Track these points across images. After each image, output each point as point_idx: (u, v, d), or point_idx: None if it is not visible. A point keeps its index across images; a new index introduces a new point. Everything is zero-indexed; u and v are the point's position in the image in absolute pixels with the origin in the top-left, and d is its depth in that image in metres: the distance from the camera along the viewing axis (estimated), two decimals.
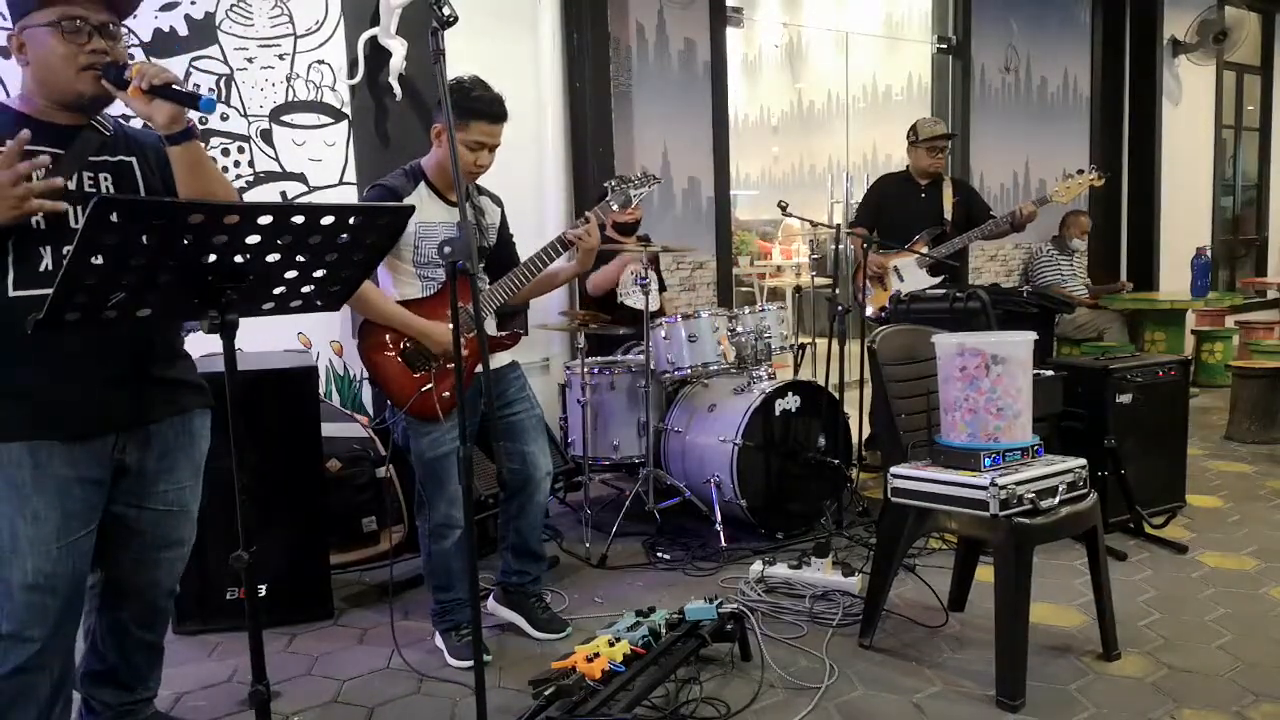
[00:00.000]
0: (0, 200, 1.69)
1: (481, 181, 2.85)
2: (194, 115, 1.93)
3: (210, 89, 3.91)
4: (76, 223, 1.82)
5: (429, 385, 2.69)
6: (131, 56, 1.97)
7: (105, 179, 1.93)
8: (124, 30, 1.94)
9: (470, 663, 2.67)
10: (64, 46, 1.83)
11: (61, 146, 1.87)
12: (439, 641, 2.86)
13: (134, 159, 1.99)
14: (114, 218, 1.39)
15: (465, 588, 2.83)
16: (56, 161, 1.85)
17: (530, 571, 2.99)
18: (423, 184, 2.73)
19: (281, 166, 4.09)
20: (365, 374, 4.22)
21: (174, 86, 1.81)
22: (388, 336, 2.71)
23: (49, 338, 1.79)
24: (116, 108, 1.97)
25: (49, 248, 1.83)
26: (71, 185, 1.85)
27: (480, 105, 2.64)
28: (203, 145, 1.98)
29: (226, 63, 3.94)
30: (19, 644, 1.86)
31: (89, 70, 1.84)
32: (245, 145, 4.00)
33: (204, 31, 3.87)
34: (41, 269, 1.82)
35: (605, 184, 3.19)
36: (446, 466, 2.71)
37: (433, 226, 2.71)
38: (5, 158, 1.69)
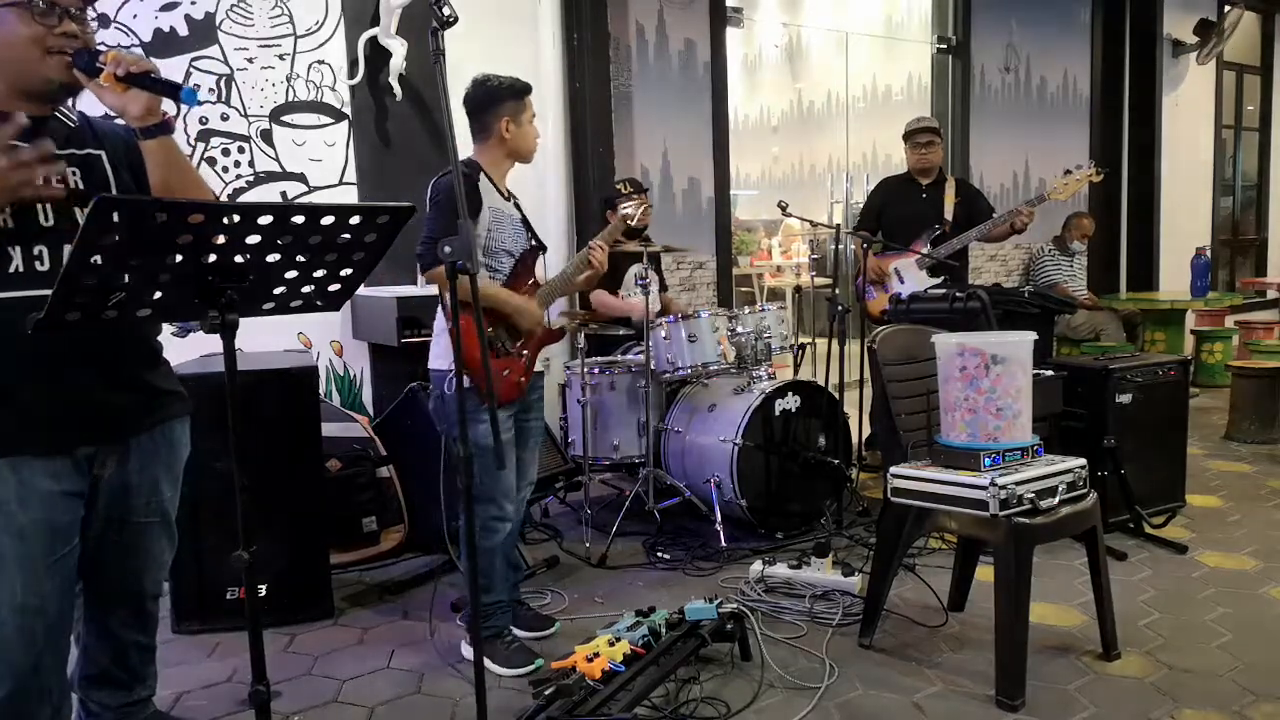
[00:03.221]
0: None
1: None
2: (170, 108, 1.85)
3: (210, 89, 3.91)
4: (46, 220, 1.75)
5: (508, 370, 2.74)
6: (116, 47, 1.89)
7: (74, 173, 1.83)
8: (91, 15, 1.82)
9: (524, 670, 2.67)
10: (31, 28, 1.71)
11: (26, 139, 1.74)
12: (466, 652, 2.80)
13: (102, 152, 1.89)
14: (115, 217, 1.38)
15: (506, 589, 2.82)
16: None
17: (508, 579, 2.98)
18: (482, 174, 2.77)
19: (281, 166, 4.09)
20: (368, 373, 4.26)
21: (152, 75, 1.72)
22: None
23: (28, 349, 1.72)
24: (87, 103, 1.91)
25: (18, 248, 1.73)
26: (39, 181, 1.71)
27: (520, 83, 2.78)
28: (175, 140, 1.88)
29: (226, 63, 3.94)
30: (10, 669, 1.78)
31: (58, 55, 1.74)
32: (245, 145, 4.00)
33: (204, 31, 3.87)
34: (12, 270, 1.73)
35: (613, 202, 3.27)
36: (501, 455, 2.69)
37: (501, 215, 2.77)
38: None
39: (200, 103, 3.85)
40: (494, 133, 2.76)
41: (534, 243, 2.88)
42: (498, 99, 2.75)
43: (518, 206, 2.89)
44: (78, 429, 1.85)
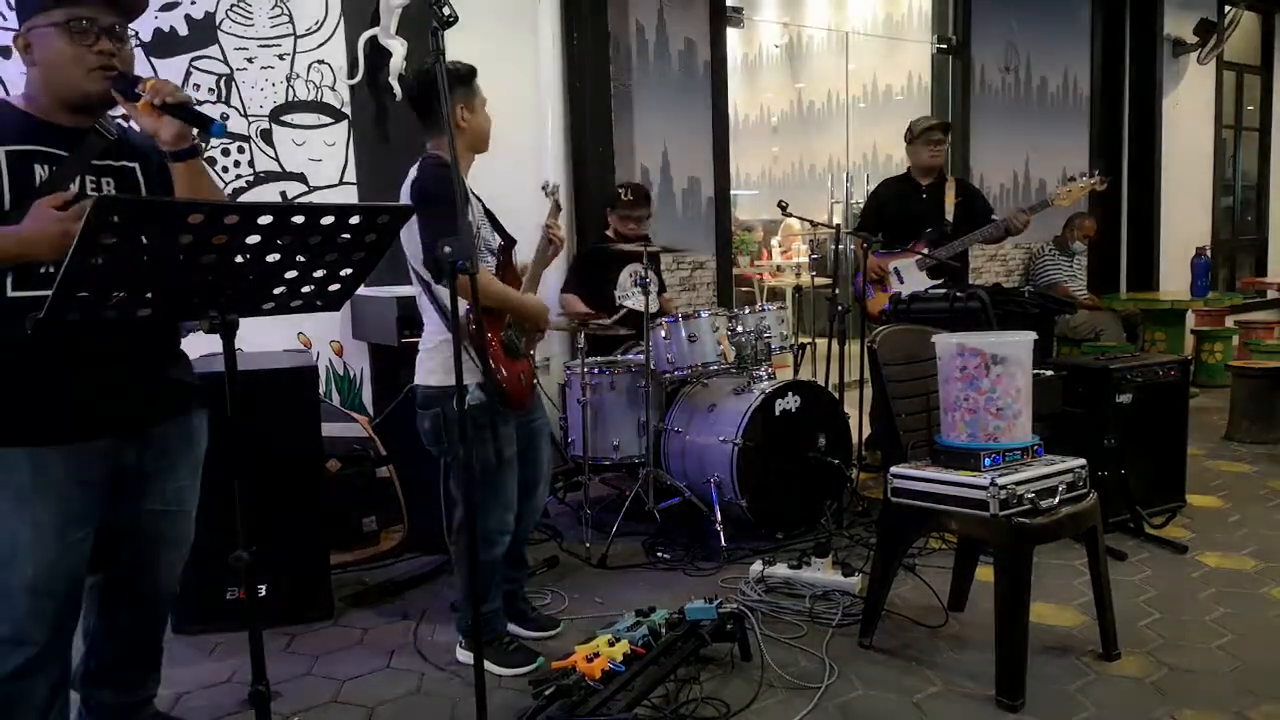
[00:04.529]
0: (62, 247, 1.71)
1: (475, 183, 2.83)
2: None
3: (210, 89, 3.91)
4: None
5: (522, 373, 2.71)
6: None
7: (108, 183, 1.92)
8: (131, 32, 1.94)
9: (524, 670, 2.67)
10: (72, 48, 1.83)
11: (65, 148, 1.87)
12: (461, 656, 2.80)
13: (137, 165, 1.98)
14: (114, 218, 1.38)
15: (499, 594, 2.82)
16: (60, 164, 1.85)
17: (519, 578, 2.99)
18: None
19: (281, 166, 4.09)
20: (368, 373, 4.25)
21: (187, 107, 1.81)
22: (492, 324, 2.65)
23: (48, 340, 1.78)
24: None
25: None
26: (75, 188, 1.84)
27: (464, 65, 2.67)
28: (204, 162, 1.98)
29: (226, 63, 3.94)
30: (17, 648, 1.86)
31: (97, 71, 1.84)
32: (245, 145, 4.00)
33: (204, 31, 3.87)
34: (42, 270, 1.81)
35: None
36: (508, 470, 2.69)
37: (479, 211, 2.71)
38: (78, 212, 1.70)
39: (227, 134, 3.88)
40: (459, 119, 2.65)
41: (504, 237, 2.82)
42: (448, 87, 2.66)
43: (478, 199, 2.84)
44: (96, 420, 1.91)
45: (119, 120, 2.04)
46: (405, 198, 2.60)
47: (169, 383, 2.04)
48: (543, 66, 4.76)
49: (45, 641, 1.88)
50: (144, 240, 1.44)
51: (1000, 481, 2.40)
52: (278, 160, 4.08)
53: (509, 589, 2.95)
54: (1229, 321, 7.67)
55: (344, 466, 3.63)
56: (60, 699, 1.98)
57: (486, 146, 2.79)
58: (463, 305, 2.08)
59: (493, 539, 2.69)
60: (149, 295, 1.54)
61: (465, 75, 2.67)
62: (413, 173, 2.64)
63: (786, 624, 2.97)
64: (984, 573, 2.92)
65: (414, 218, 2.56)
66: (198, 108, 1.87)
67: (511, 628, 2.92)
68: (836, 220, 7.02)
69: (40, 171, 1.82)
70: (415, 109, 2.70)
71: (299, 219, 1.56)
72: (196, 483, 2.14)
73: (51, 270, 1.80)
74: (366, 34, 4.22)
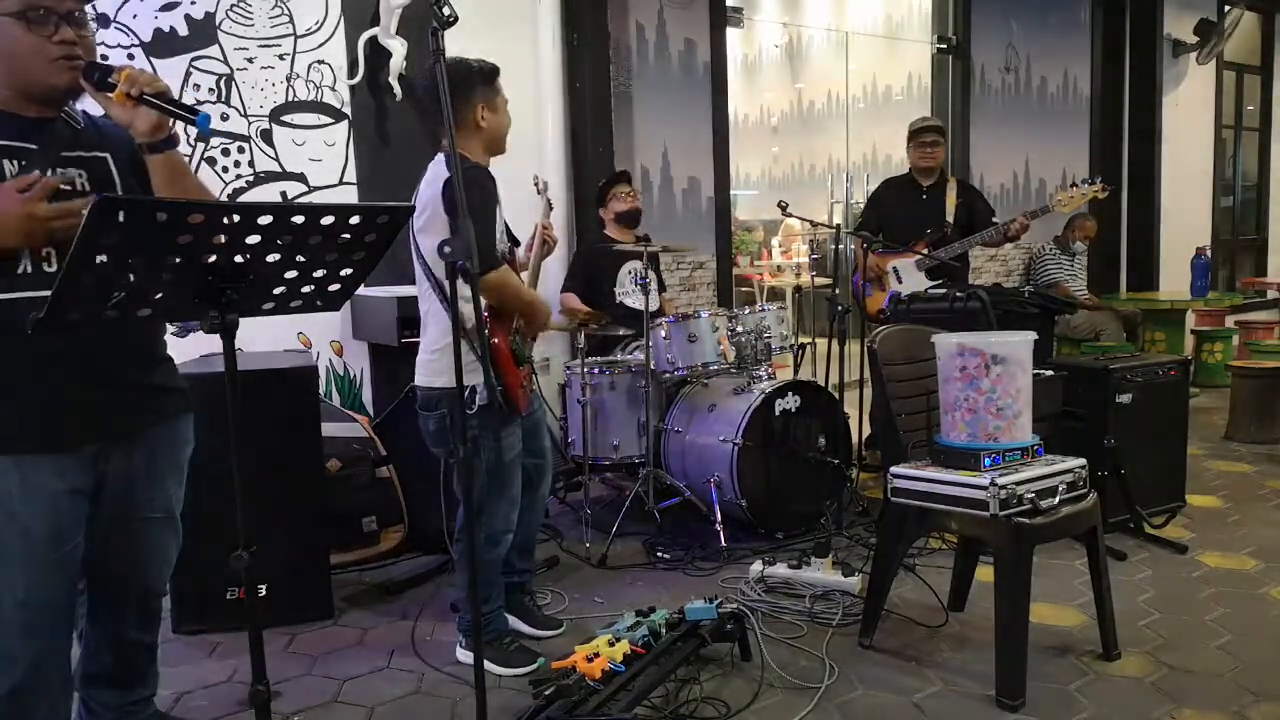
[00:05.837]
0: (35, 234, 1.69)
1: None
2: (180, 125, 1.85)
3: (210, 89, 3.91)
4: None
5: (525, 379, 2.71)
6: (130, 59, 1.93)
7: (80, 175, 1.84)
8: (90, 16, 1.84)
9: (524, 670, 2.67)
10: (31, 38, 1.73)
11: (32, 141, 1.79)
12: (462, 656, 2.80)
13: (108, 155, 1.90)
14: (116, 217, 1.38)
15: (501, 593, 2.82)
16: (29, 158, 1.78)
17: (529, 569, 3.02)
18: None
19: (281, 166, 4.09)
20: (368, 373, 4.25)
21: (167, 97, 1.74)
22: (499, 329, 2.63)
23: (33, 347, 1.74)
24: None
25: (27, 249, 1.75)
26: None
27: (487, 64, 2.62)
28: (181, 153, 1.90)
29: (226, 63, 3.94)
30: (12, 665, 1.81)
31: (60, 61, 1.76)
32: (245, 145, 4.00)
33: (204, 31, 3.87)
34: (20, 271, 1.75)
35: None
36: (514, 469, 2.70)
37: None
38: (41, 189, 1.67)
39: (213, 132, 3.85)
40: (468, 122, 2.59)
41: (510, 239, 2.80)
42: (469, 84, 2.56)
43: None
44: (82, 426, 1.87)
45: (84, 110, 1.95)
46: (430, 193, 2.55)
47: (153, 388, 2.00)
48: (543, 66, 4.76)
49: (42, 656, 1.83)
50: (145, 240, 1.44)
51: (1000, 481, 2.40)
52: (278, 160, 4.08)
53: (517, 580, 2.95)
54: (1229, 321, 7.67)
55: (344, 466, 3.63)
56: (60, 713, 1.94)
57: (504, 148, 2.72)
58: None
59: (498, 538, 2.70)
60: (149, 295, 1.54)
61: (489, 74, 2.61)
62: (440, 170, 2.55)
63: (786, 624, 2.97)
64: (984, 573, 2.92)
65: (420, 217, 2.57)
66: (196, 105, 1.83)
67: (514, 622, 2.92)
68: (836, 220, 7.02)
69: (9, 166, 1.76)
70: (423, 108, 2.65)
71: (299, 219, 1.55)
72: (182, 489, 2.11)
73: (29, 271, 1.76)
74: (366, 34, 4.22)
